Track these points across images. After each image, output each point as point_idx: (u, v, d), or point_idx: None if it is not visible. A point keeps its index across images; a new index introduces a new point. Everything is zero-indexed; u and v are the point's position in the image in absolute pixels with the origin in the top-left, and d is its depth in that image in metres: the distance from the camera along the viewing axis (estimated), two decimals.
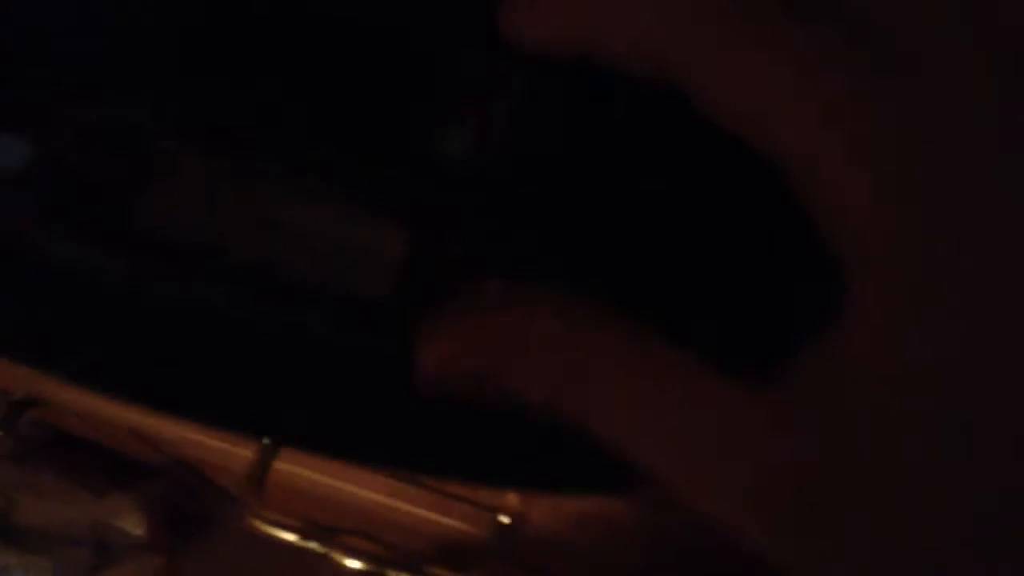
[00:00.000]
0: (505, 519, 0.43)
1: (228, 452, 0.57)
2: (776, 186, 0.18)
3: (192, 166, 0.24)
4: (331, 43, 0.23)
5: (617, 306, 0.20)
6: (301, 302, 0.25)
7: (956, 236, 0.16)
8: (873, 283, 0.17)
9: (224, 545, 0.67)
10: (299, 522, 0.42)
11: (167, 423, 0.59)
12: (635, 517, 0.41)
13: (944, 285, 0.16)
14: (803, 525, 0.17)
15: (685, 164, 0.23)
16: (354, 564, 0.42)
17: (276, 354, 0.25)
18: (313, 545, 0.41)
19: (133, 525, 0.72)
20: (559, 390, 0.20)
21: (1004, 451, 0.16)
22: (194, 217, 0.25)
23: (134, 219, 0.25)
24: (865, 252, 0.17)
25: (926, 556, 0.17)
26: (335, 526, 0.42)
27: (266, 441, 0.43)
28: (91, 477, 0.77)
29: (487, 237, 0.24)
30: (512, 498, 0.42)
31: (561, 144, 0.23)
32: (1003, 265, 0.16)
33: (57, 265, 0.25)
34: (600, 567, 0.46)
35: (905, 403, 0.16)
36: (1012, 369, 0.16)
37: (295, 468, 0.46)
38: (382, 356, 0.24)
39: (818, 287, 0.18)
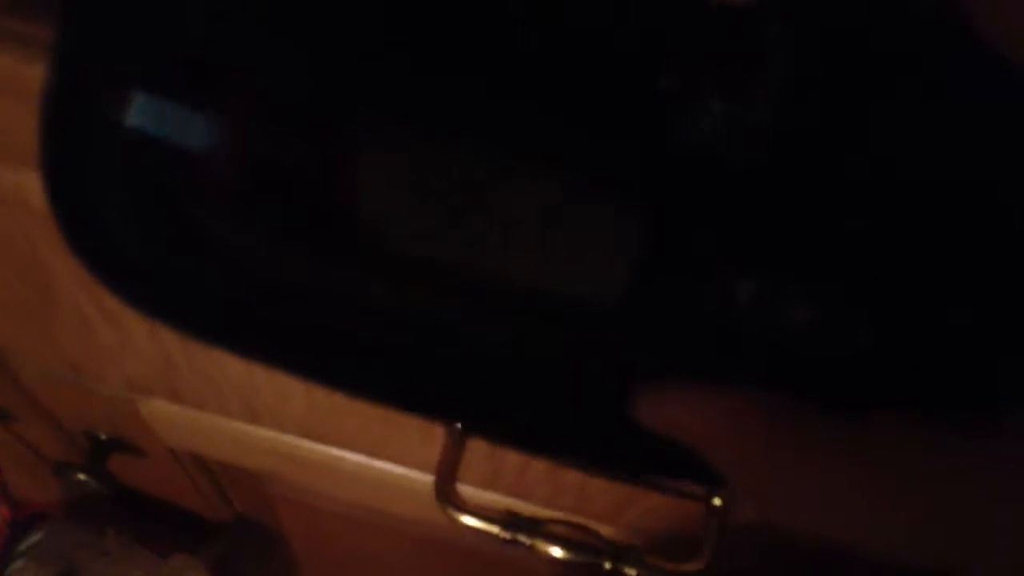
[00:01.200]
0: (718, 501, 0.41)
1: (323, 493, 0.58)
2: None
3: (403, 158, 0.23)
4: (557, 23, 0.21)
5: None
6: (529, 305, 0.23)
7: None
8: None
9: None
10: (501, 513, 0.40)
11: (256, 457, 0.59)
12: None
13: None
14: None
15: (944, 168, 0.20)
16: (561, 553, 0.40)
17: (497, 350, 0.24)
18: (520, 536, 0.39)
19: None
20: (762, 483, 0.20)
21: None
22: (411, 214, 0.23)
23: (342, 206, 0.23)
24: None
25: None
26: (538, 516, 0.40)
27: (458, 426, 0.42)
28: (155, 538, 0.79)
29: (733, 235, 0.21)
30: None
31: (818, 132, 0.20)
32: None
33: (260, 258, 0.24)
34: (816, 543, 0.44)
35: None
36: None
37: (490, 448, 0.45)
38: (606, 360, 0.23)
39: None
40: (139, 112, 0.23)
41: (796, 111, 0.20)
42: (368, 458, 0.54)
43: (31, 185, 0.34)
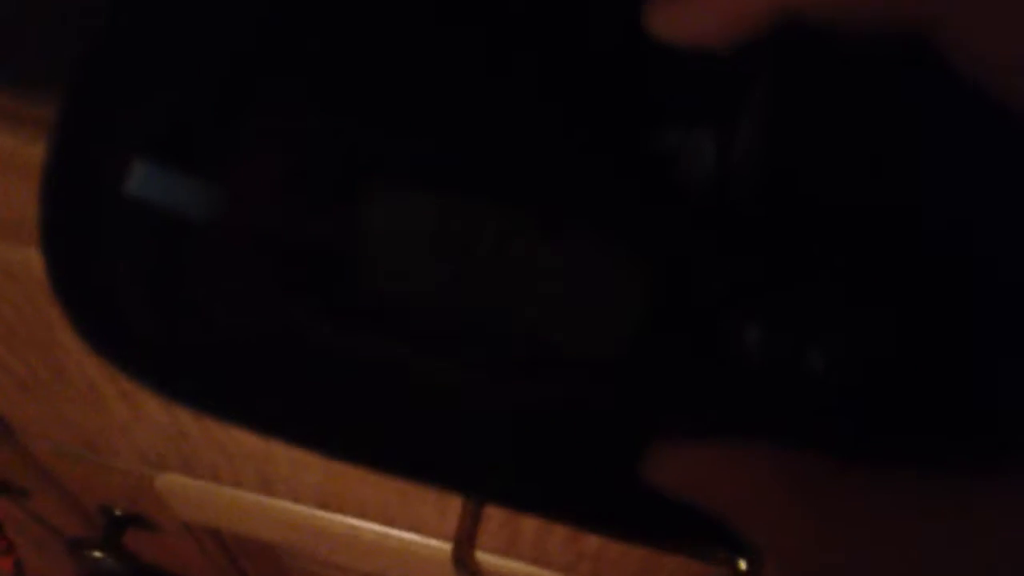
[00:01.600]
0: (743, 565, 0.39)
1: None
2: None
3: (410, 209, 0.23)
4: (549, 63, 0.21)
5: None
6: (532, 363, 0.23)
7: None
8: None
9: None
10: None
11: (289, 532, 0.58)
12: None
13: None
14: None
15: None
16: None
17: (497, 410, 0.24)
18: None
19: None
20: (795, 548, 0.19)
21: None
22: (426, 268, 0.23)
23: (352, 272, 0.23)
24: None
25: None
26: None
27: (473, 497, 0.41)
28: None
29: (736, 281, 0.21)
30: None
31: (814, 164, 0.20)
32: None
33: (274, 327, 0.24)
34: None
35: None
36: None
37: (508, 516, 0.44)
38: (612, 416, 0.23)
39: None
40: (139, 182, 0.23)
41: (784, 152, 0.20)
42: (386, 528, 0.53)
43: (37, 260, 0.34)
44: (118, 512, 0.64)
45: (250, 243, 0.23)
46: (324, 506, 0.53)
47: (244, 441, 0.45)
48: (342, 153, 0.22)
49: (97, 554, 0.63)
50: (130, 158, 0.22)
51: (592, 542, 0.45)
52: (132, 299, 0.24)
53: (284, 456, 0.46)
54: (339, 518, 0.54)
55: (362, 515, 0.53)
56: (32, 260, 0.33)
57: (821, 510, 0.18)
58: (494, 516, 0.44)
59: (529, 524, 0.44)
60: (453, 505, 0.47)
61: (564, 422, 0.23)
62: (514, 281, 0.22)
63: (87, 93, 0.22)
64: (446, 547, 0.53)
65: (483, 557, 0.42)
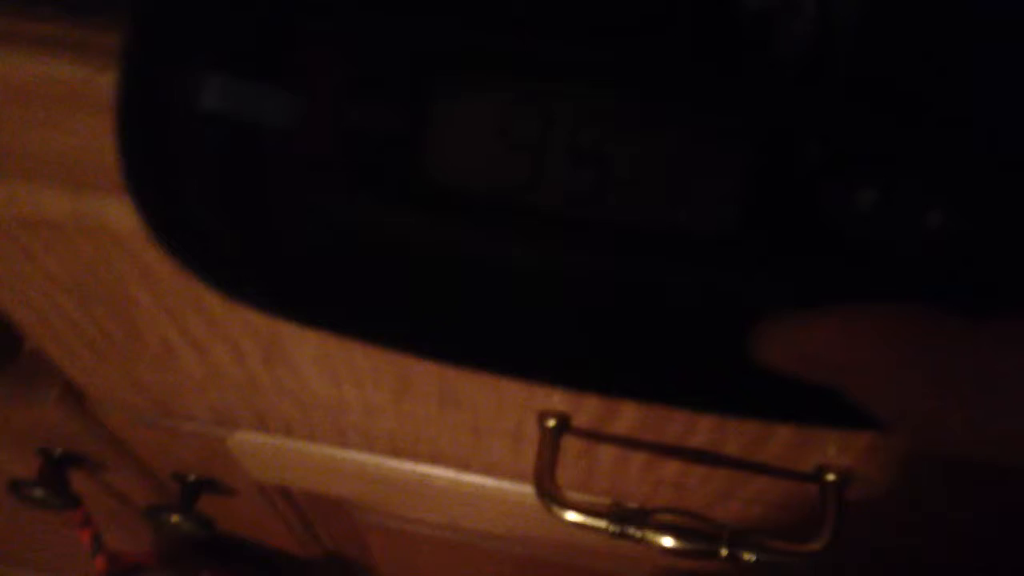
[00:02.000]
0: (832, 476, 0.39)
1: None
2: None
3: (483, 99, 0.22)
4: None
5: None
6: (635, 247, 0.22)
7: None
8: None
9: None
10: (607, 507, 0.39)
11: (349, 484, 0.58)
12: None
13: None
14: None
15: None
16: (674, 543, 0.38)
17: (601, 299, 0.23)
18: (630, 529, 0.38)
19: None
20: (919, 403, 0.19)
21: None
22: (495, 157, 0.23)
23: (430, 168, 0.23)
24: None
25: None
26: (645, 507, 0.39)
27: (551, 423, 0.41)
28: None
29: (845, 143, 0.20)
30: (832, 455, 0.38)
31: (912, 22, 0.20)
32: None
33: (351, 227, 0.24)
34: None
35: None
36: None
37: (585, 446, 0.44)
38: (720, 293, 0.22)
39: None
40: (213, 95, 0.23)
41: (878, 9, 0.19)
42: (459, 472, 0.54)
43: (113, 211, 0.34)
44: (192, 478, 0.65)
45: (327, 145, 0.23)
46: (396, 453, 0.53)
47: (316, 390, 0.46)
48: (411, 49, 0.22)
49: (175, 518, 0.64)
50: (202, 72, 0.22)
51: (671, 468, 0.44)
52: (215, 209, 0.24)
53: (357, 402, 0.46)
54: (411, 466, 0.54)
55: (435, 460, 0.53)
56: (106, 211, 0.33)
57: (943, 366, 0.18)
58: (569, 449, 0.44)
59: (607, 452, 0.44)
60: (528, 442, 0.47)
61: (671, 304, 0.23)
62: (607, 163, 0.22)
63: (153, 12, 0.22)
64: (521, 489, 0.53)
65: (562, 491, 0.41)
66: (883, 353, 0.19)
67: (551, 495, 0.40)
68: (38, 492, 0.65)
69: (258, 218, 0.24)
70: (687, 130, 0.21)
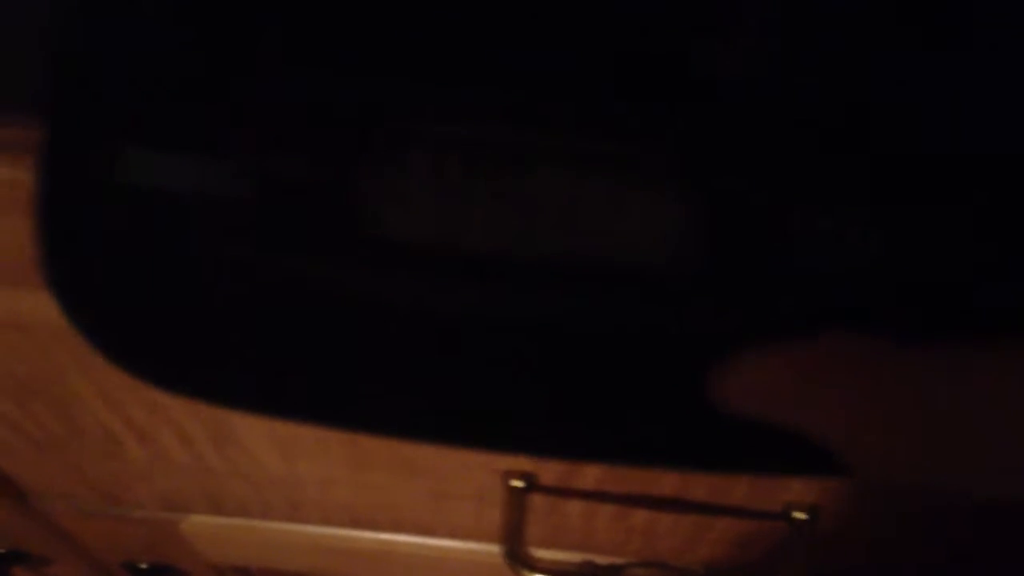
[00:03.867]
0: (800, 514, 0.39)
1: None
2: None
3: (424, 149, 0.22)
4: None
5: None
6: (581, 293, 0.22)
7: None
8: None
9: None
10: (578, 564, 0.38)
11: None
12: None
13: None
14: None
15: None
16: None
17: (550, 355, 0.23)
18: None
19: None
20: (869, 432, 0.19)
21: None
22: (436, 206, 0.22)
23: (371, 222, 0.22)
24: None
25: None
26: (616, 562, 0.39)
27: (517, 483, 0.41)
28: None
29: (791, 174, 0.20)
30: (798, 492, 0.38)
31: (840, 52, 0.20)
32: None
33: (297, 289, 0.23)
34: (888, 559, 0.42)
35: None
36: None
37: (552, 503, 0.43)
38: (667, 339, 0.22)
39: None
40: (131, 166, 0.22)
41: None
42: (421, 538, 0.52)
43: (49, 305, 0.32)
44: (143, 566, 0.63)
45: (268, 202, 0.22)
46: (356, 524, 0.52)
47: (270, 468, 0.44)
48: (346, 104, 0.21)
49: None
50: (120, 145, 0.22)
51: (640, 517, 0.44)
52: (134, 292, 0.23)
53: (312, 477, 0.45)
54: (371, 535, 0.53)
55: (396, 528, 0.52)
56: (41, 305, 0.32)
57: (883, 388, 0.18)
58: (537, 505, 0.43)
59: (575, 507, 0.44)
60: (493, 502, 0.46)
61: (630, 354, 0.22)
62: (550, 211, 0.21)
63: (69, 93, 0.21)
64: (487, 548, 0.52)
65: (531, 551, 0.41)
66: (824, 383, 0.19)
67: (520, 559, 0.39)
68: None
69: (183, 299, 0.23)
70: (621, 168, 0.21)
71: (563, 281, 0.22)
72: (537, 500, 0.42)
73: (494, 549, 0.52)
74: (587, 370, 0.22)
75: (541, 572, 0.39)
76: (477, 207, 0.21)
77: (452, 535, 0.51)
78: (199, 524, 0.54)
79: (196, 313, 0.24)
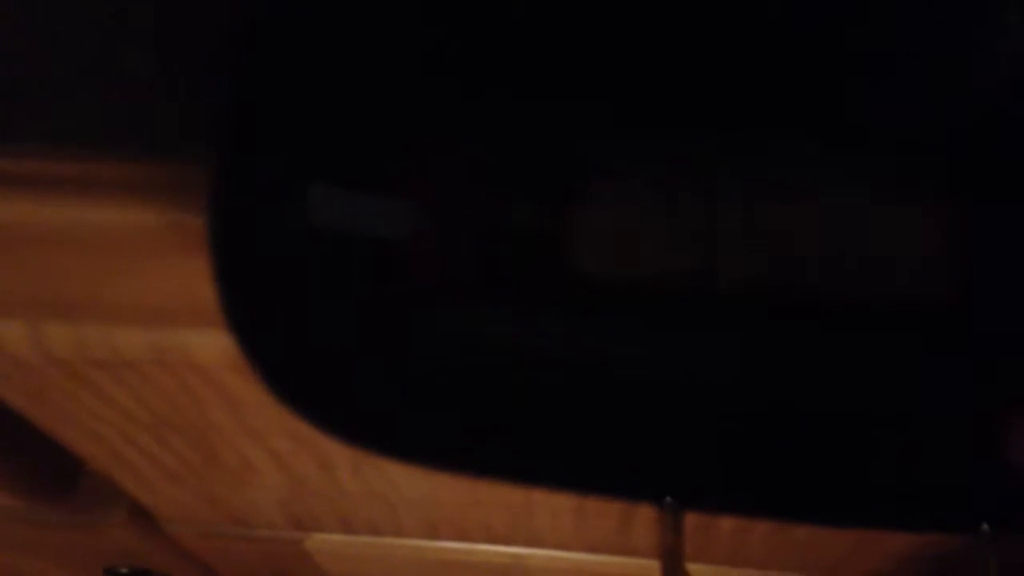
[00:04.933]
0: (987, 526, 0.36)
1: None
2: None
3: (631, 199, 0.20)
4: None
5: None
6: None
7: None
8: None
9: None
10: None
11: None
12: None
13: None
14: None
15: None
16: None
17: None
18: None
19: None
20: None
21: None
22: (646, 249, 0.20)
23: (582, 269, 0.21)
24: None
25: None
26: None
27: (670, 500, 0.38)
28: None
29: None
30: None
31: None
32: None
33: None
34: None
35: None
36: None
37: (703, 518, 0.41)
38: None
39: None
40: (321, 207, 0.20)
41: None
42: (558, 551, 0.51)
43: (195, 343, 0.31)
44: None
45: (461, 254, 0.21)
46: (492, 540, 0.50)
47: (408, 490, 0.43)
48: (547, 149, 0.20)
49: None
50: (306, 184, 0.20)
51: (800, 531, 0.41)
52: (319, 343, 0.22)
53: (452, 499, 0.43)
54: (505, 548, 0.52)
55: (533, 543, 0.50)
56: (188, 344, 0.31)
57: None
58: (688, 519, 0.41)
59: (726, 524, 0.41)
60: (634, 519, 0.44)
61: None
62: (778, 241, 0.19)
63: (242, 134, 0.20)
64: (623, 560, 0.51)
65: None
66: None
67: None
68: None
69: (365, 349, 0.22)
70: (879, 197, 0.19)
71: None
72: (688, 517, 0.40)
73: (631, 561, 0.51)
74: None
75: None
76: (708, 242, 0.19)
77: (591, 550, 0.49)
78: (326, 541, 0.53)
79: (374, 364, 0.22)
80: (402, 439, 0.23)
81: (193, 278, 0.24)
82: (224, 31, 0.20)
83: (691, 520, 0.42)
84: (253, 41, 0.20)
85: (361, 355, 0.22)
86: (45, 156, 0.25)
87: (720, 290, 0.20)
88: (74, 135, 0.24)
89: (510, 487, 0.41)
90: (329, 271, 0.21)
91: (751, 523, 0.41)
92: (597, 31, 0.19)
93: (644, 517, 0.43)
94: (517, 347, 0.22)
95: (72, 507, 0.54)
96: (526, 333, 0.22)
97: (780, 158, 0.19)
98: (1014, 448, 0.19)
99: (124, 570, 0.63)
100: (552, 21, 0.19)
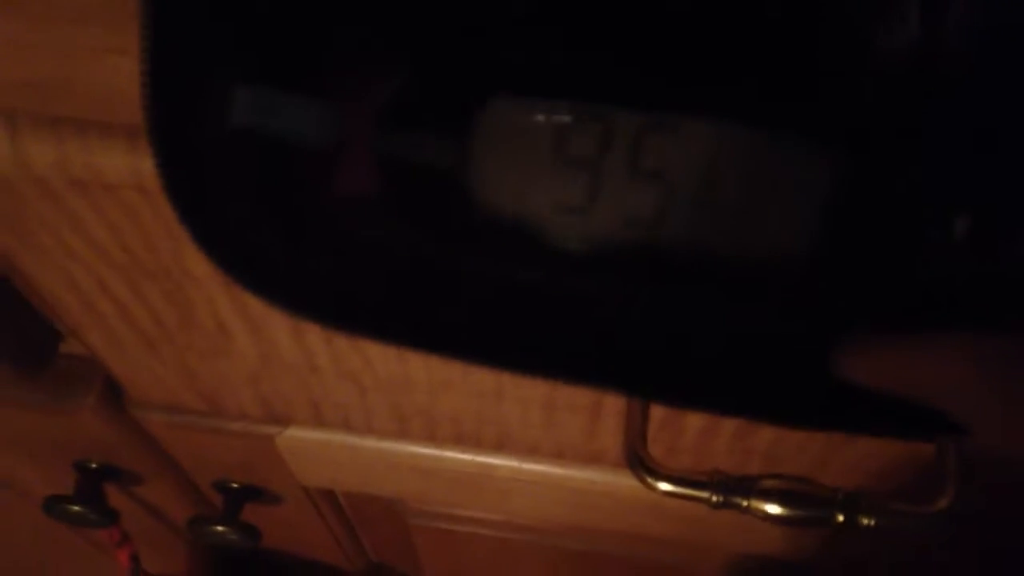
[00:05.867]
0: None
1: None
2: None
3: (531, 122, 0.21)
4: None
5: None
6: (713, 273, 0.21)
7: None
8: None
9: None
10: (707, 473, 0.36)
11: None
12: None
13: None
14: None
15: None
16: (782, 510, 0.35)
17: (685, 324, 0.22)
18: (735, 498, 0.35)
19: None
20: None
21: None
22: (557, 189, 0.21)
23: (478, 192, 0.21)
24: None
25: None
26: (744, 473, 0.36)
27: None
28: None
29: (943, 166, 0.18)
30: None
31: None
32: None
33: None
34: None
35: None
36: None
37: (670, 416, 0.41)
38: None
39: None
40: (247, 109, 0.21)
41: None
42: (523, 461, 0.51)
43: None
44: (235, 485, 0.62)
45: (366, 165, 0.21)
46: (460, 441, 0.50)
47: (380, 368, 0.43)
48: (455, 67, 0.20)
49: (220, 529, 0.61)
50: (235, 87, 0.21)
51: (763, 436, 0.42)
52: (255, 223, 0.23)
53: (423, 379, 0.43)
54: (472, 456, 0.52)
55: (499, 448, 0.50)
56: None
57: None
58: (654, 415, 0.41)
59: (694, 421, 0.41)
60: (606, 416, 0.44)
61: (750, 329, 0.22)
62: (680, 188, 0.20)
63: (174, 32, 0.20)
64: (590, 475, 0.51)
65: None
66: (956, 378, 0.19)
67: (643, 464, 0.37)
68: (74, 508, 0.62)
69: (298, 235, 0.23)
70: (763, 148, 0.19)
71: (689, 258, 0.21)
72: (656, 410, 0.40)
73: (596, 476, 0.51)
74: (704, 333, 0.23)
75: (665, 480, 0.36)
76: (594, 177, 0.20)
77: (557, 456, 0.49)
78: (296, 439, 0.53)
79: (305, 245, 0.23)
80: (343, 307, 0.24)
81: None
82: None
83: (657, 417, 0.42)
84: None
85: (287, 242, 0.23)
86: None
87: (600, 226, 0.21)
88: None
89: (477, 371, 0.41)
90: (253, 167, 0.22)
91: (715, 423, 0.41)
92: None
93: (611, 415, 0.43)
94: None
95: (44, 389, 0.54)
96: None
97: (676, 101, 0.19)
98: None
99: (93, 464, 0.63)
100: None
